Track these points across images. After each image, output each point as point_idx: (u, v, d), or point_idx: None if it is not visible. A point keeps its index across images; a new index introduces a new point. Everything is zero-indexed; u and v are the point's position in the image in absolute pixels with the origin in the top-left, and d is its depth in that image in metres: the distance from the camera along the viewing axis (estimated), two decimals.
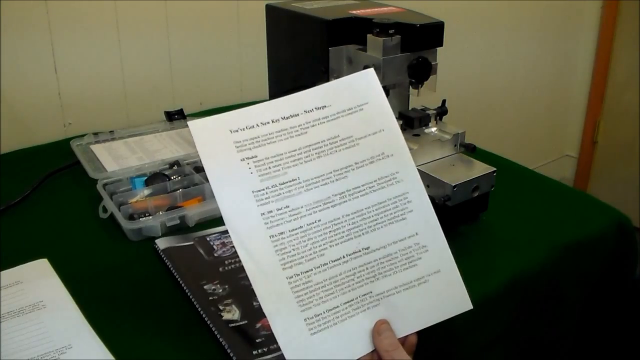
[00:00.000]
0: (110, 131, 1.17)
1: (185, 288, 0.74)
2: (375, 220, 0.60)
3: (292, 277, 0.57)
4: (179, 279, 0.76)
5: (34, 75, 1.18)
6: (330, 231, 0.59)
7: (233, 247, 0.81)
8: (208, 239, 0.84)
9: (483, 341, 0.79)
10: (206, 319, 0.69)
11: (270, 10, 1.01)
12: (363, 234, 0.60)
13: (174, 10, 1.31)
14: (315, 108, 0.62)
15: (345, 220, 0.59)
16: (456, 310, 0.62)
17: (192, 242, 0.83)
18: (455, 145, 0.88)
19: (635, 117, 2.19)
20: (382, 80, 0.83)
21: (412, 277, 0.61)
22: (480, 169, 0.84)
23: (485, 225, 0.89)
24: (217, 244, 0.83)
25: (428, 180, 0.81)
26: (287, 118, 0.61)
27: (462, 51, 1.88)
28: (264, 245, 0.57)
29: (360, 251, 0.59)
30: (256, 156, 0.59)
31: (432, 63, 0.85)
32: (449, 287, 0.62)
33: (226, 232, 0.85)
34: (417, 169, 0.81)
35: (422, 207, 0.62)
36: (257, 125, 0.60)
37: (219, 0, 1.36)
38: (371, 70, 0.65)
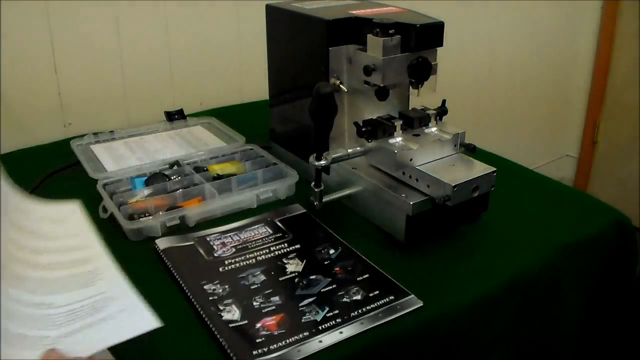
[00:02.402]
0: (110, 131, 1.17)
1: (185, 288, 0.74)
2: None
3: None
4: (179, 279, 0.76)
5: (34, 75, 1.19)
6: None
7: (233, 247, 0.81)
8: (208, 239, 0.84)
9: (483, 341, 0.79)
10: (206, 319, 0.69)
11: (270, 10, 1.01)
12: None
13: (174, 11, 1.31)
14: None
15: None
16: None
17: (192, 242, 0.83)
18: (455, 145, 0.88)
19: (635, 117, 2.19)
20: (382, 80, 0.84)
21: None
22: (480, 169, 0.84)
23: (485, 225, 0.89)
24: (217, 244, 0.83)
25: (428, 180, 0.81)
26: None
27: (462, 51, 1.88)
28: None
29: None
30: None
31: (432, 63, 0.85)
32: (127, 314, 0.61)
33: (226, 232, 0.85)
34: (418, 168, 0.82)
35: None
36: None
37: (219, 1, 1.36)
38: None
